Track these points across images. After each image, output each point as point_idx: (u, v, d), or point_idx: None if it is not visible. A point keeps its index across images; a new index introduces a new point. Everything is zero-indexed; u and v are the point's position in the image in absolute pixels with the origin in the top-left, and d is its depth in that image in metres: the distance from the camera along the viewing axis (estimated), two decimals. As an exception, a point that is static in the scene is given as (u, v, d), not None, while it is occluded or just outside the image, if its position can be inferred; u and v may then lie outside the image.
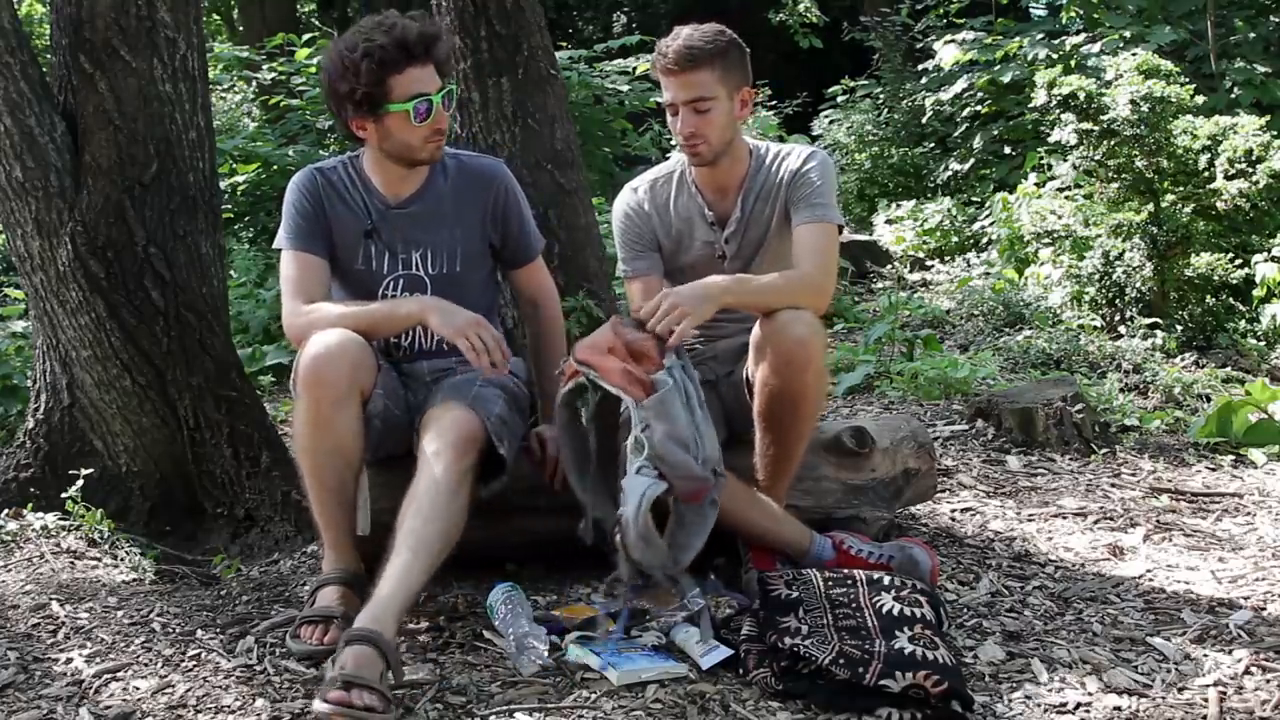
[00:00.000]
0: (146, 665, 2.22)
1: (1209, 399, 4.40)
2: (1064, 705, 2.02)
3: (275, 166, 7.71)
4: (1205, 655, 2.21)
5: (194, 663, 2.23)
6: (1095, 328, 5.46)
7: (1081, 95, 5.52)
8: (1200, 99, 6.00)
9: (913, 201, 8.74)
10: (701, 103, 2.52)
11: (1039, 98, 5.79)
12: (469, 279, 2.61)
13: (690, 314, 2.29)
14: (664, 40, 2.53)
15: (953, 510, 3.18)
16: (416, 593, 2.18)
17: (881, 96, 10.53)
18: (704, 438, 2.23)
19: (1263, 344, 5.25)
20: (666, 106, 2.57)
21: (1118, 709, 2.00)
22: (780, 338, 2.38)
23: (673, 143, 9.84)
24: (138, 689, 2.12)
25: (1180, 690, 2.07)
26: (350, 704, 1.88)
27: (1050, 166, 7.29)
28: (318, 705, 1.90)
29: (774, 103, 10.49)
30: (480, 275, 2.65)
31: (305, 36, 9.32)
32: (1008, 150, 9.08)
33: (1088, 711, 2.00)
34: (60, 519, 3.05)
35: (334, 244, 2.54)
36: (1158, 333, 5.27)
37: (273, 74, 8.66)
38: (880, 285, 7.40)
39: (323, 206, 2.53)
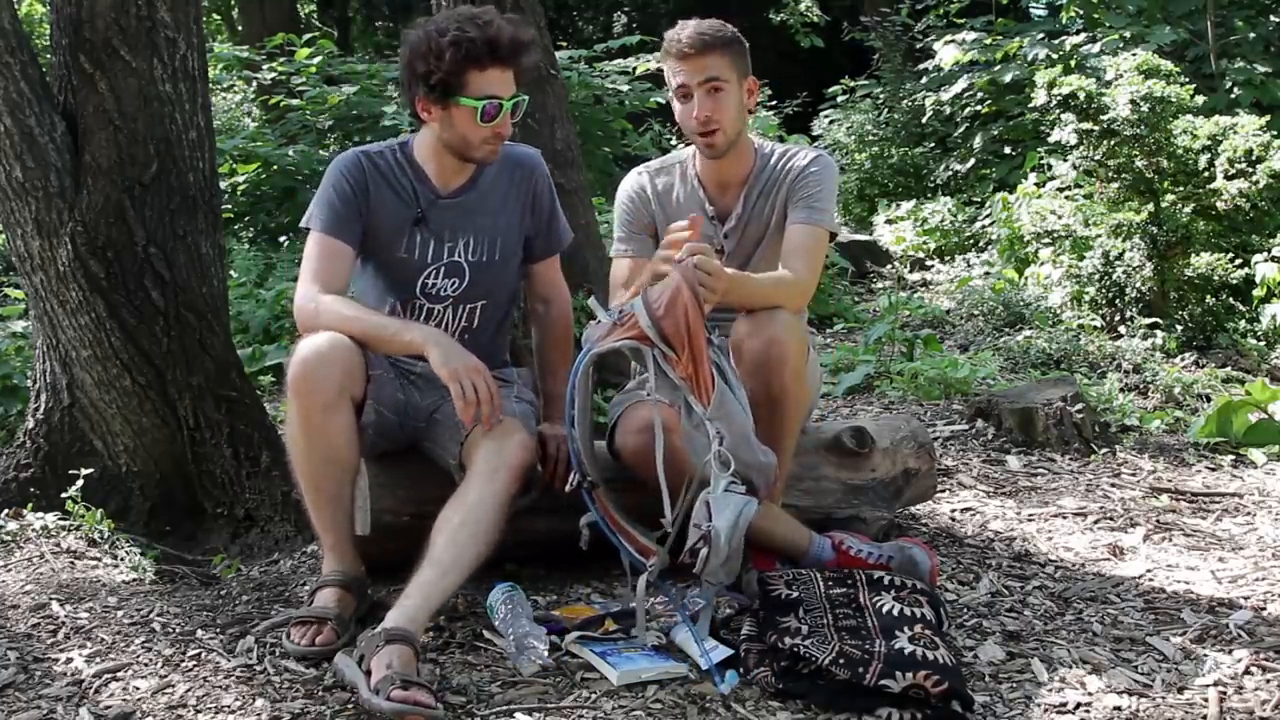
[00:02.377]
0: (146, 665, 2.22)
1: (1209, 399, 4.40)
2: (1064, 705, 2.02)
3: (275, 166, 7.71)
4: (1205, 655, 2.21)
5: (194, 663, 2.23)
6: (1095, 328, 5.46)
7: (1081, 95, 5.53)
8: (1200, 99, 6.00)
9: (913, 201, 8.75)
10: (716, 83, 2.54)
11: (1039, 98, 5.80)
12: (504, 268, 2.61)
13: (713, 297, 2.21)
14: (672, 32, 2.57)
15: (953, 510, 3.18)
16: (446, 601, 2.22)
17: (881, 96, 10.53)
18: (747, 409, 2.22)
19: (1263, 344, 5.25)
20: (677, 92, 2.58)
21: (1118, 709, 2.00)
22: (756, 338, 2.38)
23: (673, 143, 9.85)
24: (138, 689, 2.12)
25: (1180, 690, 2.07)
26: (418, 701, 1.90)
27: (1050, 166, 7.29)
28: (381, 702, 1.90)
29: (774, 103, 10.49)
30: (513, 266, 2.65)
31: (305, 36, 9.32)
32: (1008, 150, 9.08)
33: (1088, 711, 2.00)
34: (60, 519, 3.05)
35: (375, 232, 2.51)
36: (1158, 333, 5.27)
37: (273, 74, 8.66)
38: (880, 285, 7.40)
39: (367, 193, 2.49)
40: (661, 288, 2.17)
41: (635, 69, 8.78)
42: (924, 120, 9.73)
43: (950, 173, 9.31)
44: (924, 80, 9.98)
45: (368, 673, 1.99)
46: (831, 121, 10.51)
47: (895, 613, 2.18)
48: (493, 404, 2.24)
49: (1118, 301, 5.62)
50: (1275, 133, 5.63)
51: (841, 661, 2.01)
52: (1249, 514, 3.17)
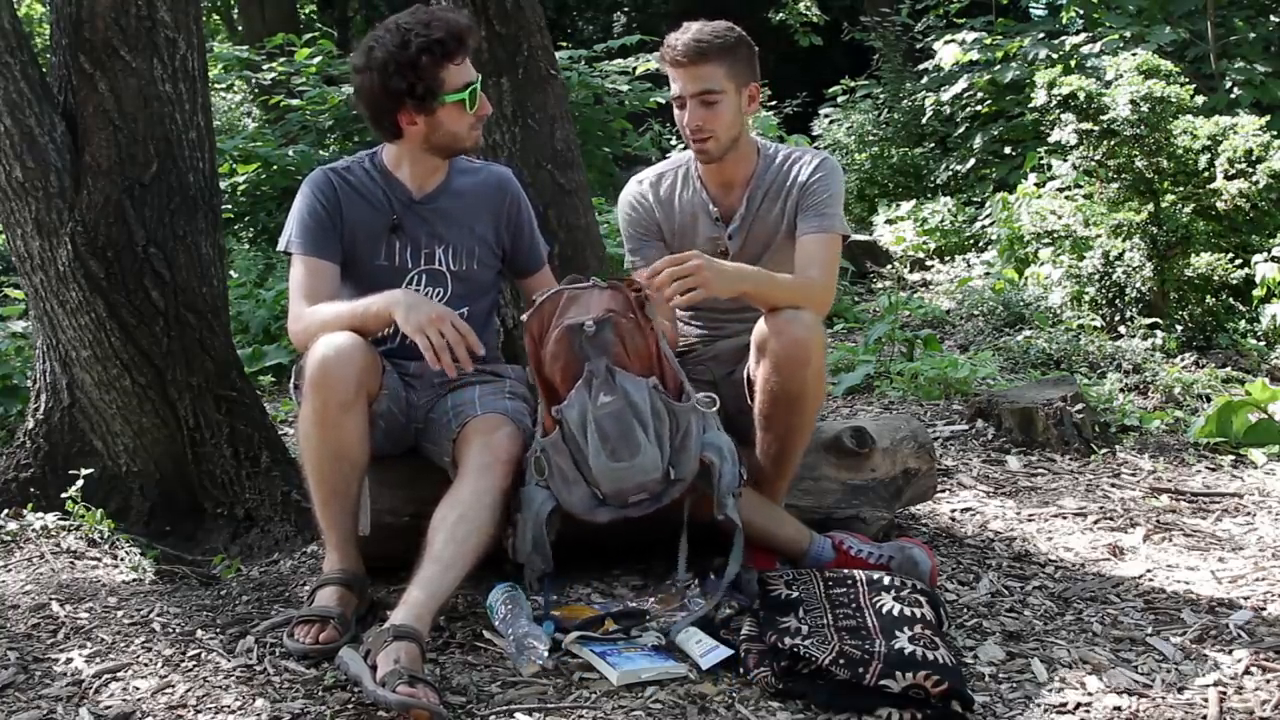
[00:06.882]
0: (146, 665, 2.22)
1: (1209, 399, 4.39)
2: (1064, 705, 2.02)
3: (275, 166, 7.72)
4: (1205, 655, 2.21)
5: (194, 663, 2.23)
6: (1095, 328, 5.46)
7: (1081, 95, 5.52)
8: (1200, 99, 6.00)
9: (913, 201, 8.74)
10: (709, 95, 2.53)
11: (1039, 98, 5.79)
12: (482, 277, 2.66)
13: (707, 284, 2.30)
14: (672, 34, 2.56)
15: (953, 510, 3.18)
16: (450, 597, 2.23)
17: (881, 96, 10.52)
18: (609, 473, 2.25)
19: (1263, 344, 5.24)
20: (674, 100, 2.60)
21: (1118, 709, 2.00)
22: (782, 336, 2.39)
23: (673, 143, 9.86)
24: (138, 689, 2.12)
25: (1180, 690, 2.07)
26: (425, 697, 1.92)
27: (1050, 166, 7.29)
28: (388, 694, 1.91)
29: (774, 103, 10.50)
30: (491, 275, 2.70)
31: (305, 36, 9.32)
32: (1008, 150, 9.08)
33: (1088, 711, 2.00)
34: (60, 519, 3.05)
35: (352, 244, 2.55)
36: (1158, 333, 5.26)
37: (273, 74, 8.67)
38: (880, 285, 7.39)
39: (340, 208, 2.54)
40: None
41: (635, 69, 8.79)
42: (924, 120, 9.72)
43: (950, 173, 9.31)
44: (924, 80, 9.98)
45: (373, 667, 1.99)
46: (831, 121, 10.51)
47: (895, 613, 2.18)
48: (466, 344, 2.25)
49: (1118, 301, 5.61)
50: (1275, 133, 5.62)
51: (841, 661, 2.01)
52: (1249, 514, 3.17)
